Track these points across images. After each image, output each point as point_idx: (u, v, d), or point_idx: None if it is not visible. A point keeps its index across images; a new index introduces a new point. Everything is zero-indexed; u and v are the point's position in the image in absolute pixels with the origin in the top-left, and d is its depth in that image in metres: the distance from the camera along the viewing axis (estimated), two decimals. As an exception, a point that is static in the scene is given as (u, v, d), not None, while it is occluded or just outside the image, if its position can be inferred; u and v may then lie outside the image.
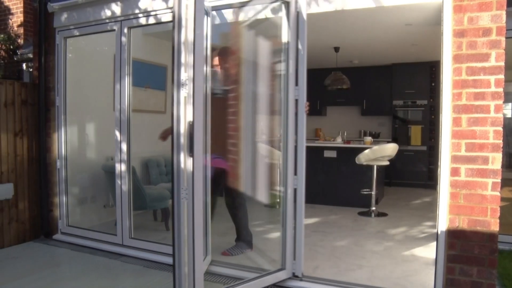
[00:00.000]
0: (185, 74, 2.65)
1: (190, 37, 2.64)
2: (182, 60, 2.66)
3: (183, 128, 2.68)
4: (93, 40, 5.07)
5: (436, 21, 4.95)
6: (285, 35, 3.31)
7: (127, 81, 4.14)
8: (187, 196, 2.67)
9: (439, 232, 2.95)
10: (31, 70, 6.72)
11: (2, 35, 7.10)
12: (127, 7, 4.12)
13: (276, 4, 3.43)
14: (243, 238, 4.07)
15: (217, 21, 3.77)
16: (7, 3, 7.42)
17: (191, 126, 2.63)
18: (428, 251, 4.13)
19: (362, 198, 6.13)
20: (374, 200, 5.95)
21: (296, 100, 3.33)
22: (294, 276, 3.37)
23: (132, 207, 4.21)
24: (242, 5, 3.61)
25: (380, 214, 5.83)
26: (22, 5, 7.27)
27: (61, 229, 4.67)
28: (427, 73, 8.26)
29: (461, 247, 2.86)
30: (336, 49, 7.13)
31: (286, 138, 3.36)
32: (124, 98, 4.15)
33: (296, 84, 3.32)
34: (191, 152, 2.65)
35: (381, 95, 8.82)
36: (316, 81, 8.89)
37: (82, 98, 4.97)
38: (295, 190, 3.34)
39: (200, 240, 2.71)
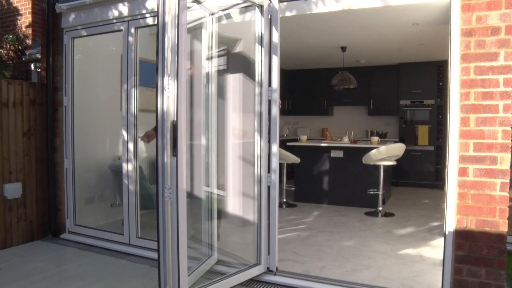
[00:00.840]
0: (168, 75, 2.68)
1: (174, 39, 2.67)
2: (166, 59, 2.68)
3: (167, 128, 2.70)
4: (100, 40, 5.10)
5: (443, 20, 4.92)
6: (259, 38, 3.42)
7: (134, 81, 4.16)
8: (170, 195, 2.69)
9: (446, 233, 2.94)
10: (39, 70, 6.77)
11: (11, 36, 7.17)
12: (134, 8, 4.14)
13: (251, 8, 3.52)
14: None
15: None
16: (15, 4, 7.48)
17: (175, 126, 2.65)
18: (436, 252, 4.11)
19: (369, 198, 6.11)
20: (381, 200, 5.92)
21: (270, 101, 3.46)
22: (269, 271, 3.50)
23: (140, 206, 4.23)
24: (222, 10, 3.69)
25: (387, 214, 5.81)
26: (30, 6, 7.33)
27: (69, 228, 4.70)
28: (434, 73, 8.21)
29: (469, 248, 2.84)
30: (343, 49, 7.11)
31: (260, 137, 3.47)
32: (131, 98, 4.16)
33: (269, 85, 3.46)
34: (174, 151, 2.66)
35: (388, 95, 8.78)
36: (323, 81, 8.91)
37: (90, 98, 4.99)
38: (268, 187, 3.46)
39: (184, 238, 2.71)
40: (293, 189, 6.80)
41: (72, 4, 4.46)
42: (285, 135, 9.74)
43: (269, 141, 3.47)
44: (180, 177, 2.67)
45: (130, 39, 4.16)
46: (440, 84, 8.16)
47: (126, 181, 4.18)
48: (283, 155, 6.40)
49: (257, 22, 3.42)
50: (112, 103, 5.01)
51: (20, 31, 7.36)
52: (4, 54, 7.44)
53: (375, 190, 5.98)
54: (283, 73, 9.59)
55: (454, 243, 2.90)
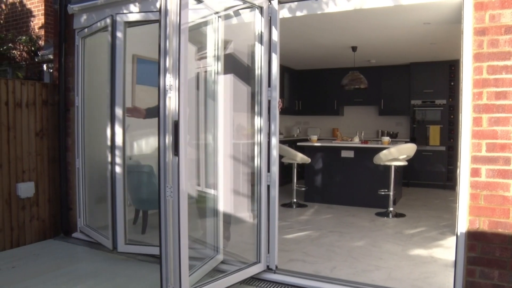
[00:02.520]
0: (171, 74, 2.70)
1: (175, 39, 2.69)
2: (168, 59, 2.71)
3: (168, 128, 2.72)
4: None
5: (455, 19, 4.87)
6: (259, 39, 3.46)
7: (122, 78, 4.12)
8: (172, 194, 2.72)
9: (458, 234, 2.91)
10: (51, 71, 6.85)
11: (24, 37, 7.26)
12: (144, 7, 4.16)
13: (251, 9, 3.55)
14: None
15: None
16: (29, 6, 7.57)
17: (176, 126, 2.66)
18: (447, 253, 4.07)
19: (379, 199, 6.07)
20: (392, 201, 5.88)
21: (269, 101, 3.49)
22: (269, 269, 3.54)
23: (153, 206, 4.24)
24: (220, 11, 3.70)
25: (398, 215, 5.77)
26: (43, 7, 7.41)
27: (80, 228, 4.74)
28: (446, 72, 8.14)
29: (482, 249, 2.81)
30: (354, 49, 7.08)
31: (260, 136, 3.50)
32: (119, 95, 4.13)
33: (269, 85, 3.48)
34: (176, 151, 2.68)
35: (399, 95, 8.72)
36: (333, 80, 8.89)
37: (102, 98, 5.03)
38: (268, 186, 3.49)
39: (185, 237, 2.75)
40: (303, 189, 6.79)
41: (84, 6, 4.50)
42: (296, 135, 9.73)
43: (268, 141, 3.50)
44: (181, 176, 2.69)
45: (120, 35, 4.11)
46: (452, 83, 8.08)
47: (111, 184, 4.04)
48: (293, 155, 6.40)
49: (257, 23, 3.45)
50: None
51: (33, 32, 7.45)
52: (18, 55, 7.54)
53: (386, 190, 5.94)
54: (294, 73, 9.58)
55: (466, 245, 2.87)
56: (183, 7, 2.68)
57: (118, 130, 3.94)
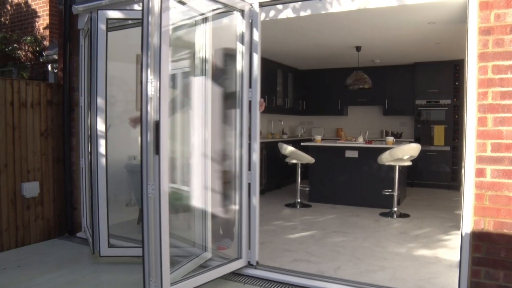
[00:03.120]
0: (151, 74, 2.77)
1: (156, 40, 2.77)
2: (149, 59, 2.78)
3: (150, 127, 2.81)
4: (117, 40, 5.14)
5: (460, 19, 4.86)
6: (240, 41, 3.54)
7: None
8: (153, 191, 2.82)
9: (463, 234, 2.89)
10: (56, 71, 6.88)
11: (29, 37, 7.29)
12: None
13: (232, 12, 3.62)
14: (231, 233, 4.18)
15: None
16: (34, 7, 7.61)
17: (157, 125, 2.76)
18: (452, 253, 4.05)
19: (383, 199, 6.06)
20: (396, 201, 5.87)
21: (250, 101, 3.59)
22: (250, 265, 3.63)
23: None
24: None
25: (402, 215, 5.76)
26: (48, 8, 7.45)
27: (84, 227, 4.76)
28: (450, 72, 8.12)
29: (487, 250, 2.80)
30: (358, 48, 7.07)
31: (241, 136, 3.60)
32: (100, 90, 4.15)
33: (250, 86, 3.59)
34: (157, 150, 2.77)
35: (403, 95, 8.70)
36: (337, 80, 8.88)
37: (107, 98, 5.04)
38: (249, 184, 3.59)
39: (166, 233, 2.83)
40: (307, 189, 6.78)
41: (88, 6, 4.51)
42: (300, 135, 9.73)
43: (249, 140, 3.60)
44: (162, 174, 2.79)
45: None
46: (457, 83, 8.05)
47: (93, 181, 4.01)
48: (298, 155, 6.39)
49: (238, 26, 3.52)
50: (127, 102, 5.06)
51: (38, 32, 7.48)
52: (23, 56, 7.58)
53: (390, 190, 5.93)
54: (298, 73, 9.58)
55: (471, 245, 2.86)
56: (164, 10, 2.76)
57: (100, 126, 3.93)
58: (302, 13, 3.61)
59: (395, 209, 5.80)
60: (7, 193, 4.28)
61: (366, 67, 8.42)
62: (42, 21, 7.52)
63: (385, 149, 5.92)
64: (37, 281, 3.42)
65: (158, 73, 2.76)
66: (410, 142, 6.51)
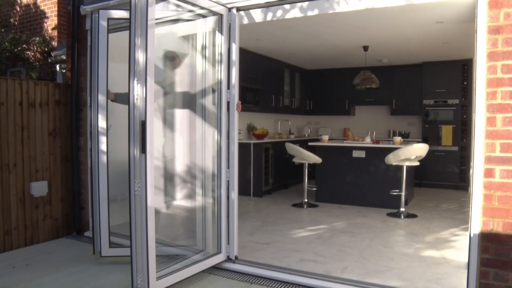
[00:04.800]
0: (137, 76, 2.89)
1: (142, 42, 2.88)
2: (137, 60, 2.90)
3: (136, 127, 2.93)
4: (124, 41, 5.16)
5: (469, 18, 4.82)
6: (219, 44, 3.68)
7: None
8: (139, 189, 2.93)
9: (471, 235, 2.87)
10: (64, 71, 6.93)
11: (37, 38, 7.35)
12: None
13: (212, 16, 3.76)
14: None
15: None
16: (42, 7, 7.67)
17: (143, 125, 2.86)
18: (460, 254, 4.03)
19: (391, 199, 6.03)
20: (404, 201, 5.84)
21: (228, 102, 3.71)
22: (229, 259, 3.78)
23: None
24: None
25: (409, 216, 5.73)
26: (56, 8, 7.50)
27: (91, 227, 4.78)
28: (459, 72, 8.06)
29: (496, 251, 2.77)
30: (365, 48, 7.04)
31: (220, 136, 3.74)
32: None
33: (228, 87, 3.70)
34: (143, 149, 2.87)
35: (411, 95, 8.65)
36: (345, 80, 8.85)
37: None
38: (228, 182, 3.73)
39: (152, 230, 2.95)
40: (314, 189, 6.77)
41: (96, 6, 4.53)
42: (307, 135, 9.71)
43: (228, 140, 3.73)
44: (148, 172, 2.89)
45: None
46: (465, 83, 8.00)
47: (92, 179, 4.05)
48: (305, 155, 6.38)
49: (218, 28, 3.68)
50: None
51: (46, 33, 7.54)
52: (31, 56, 7.64)
53: (398, 190, 5.90)
54: (305, 72, 9.56)
55: (479, 246, 2.83)
56: (150, 4, 2.87)
57: (102, 123, 3.97)
58: (310, 13, 3.60)
59: (403, 209, 5.77)
60: (16, 193, 4.32)
61: (374, 67, 8.39)
62: (51, 22, 7.57)
63: (392, 149, 5.89)
64: (45, 280, 3.45)
65: (145, 74, 2.86)
66: (418, 142, 6.47)
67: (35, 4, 7.73)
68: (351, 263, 3.83)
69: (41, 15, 7.67)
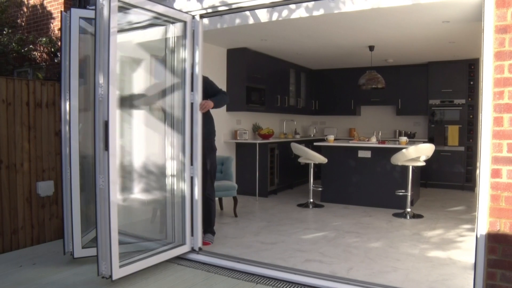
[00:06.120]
0: (101, 78, 3.08)
1: (104, 46, 3.07)
2: (100, 64, 3.08)
3: (99, 126, 3.13)
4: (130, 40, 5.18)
5: (475, 17, 4.80)
6: (183, 48, 3.88)
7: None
8: (103, 183, 3.12)
9: (478, 236, 2.86)
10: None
11: (44, 39, 7.39)
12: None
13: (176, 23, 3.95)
14: (212, 228, 4.51)
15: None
16: (49, 8, 7.71)
17: (106, 125, 3.06)
18: (466, 255, 4.01)
19: (397, 199, 6.01)
20: (410, 202, 5.82)
21: (192, 103, 3.90)
22: (193, 250, 3.96)
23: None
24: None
25: (415, 216, 5.70)
26: (63, 9, 7.53)
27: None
28: (465, 72, 8.02)
29: (503, 252, 2.76)
30: (371, 48, 7.02)
31: (184, 135, 3.91)
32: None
33: (192, 89, 3.88)
34: (106, 146, 3.07)
35: (417, 94, 8.62)
36: (350, 80, 8.83)
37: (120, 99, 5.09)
38: (191, 178, 3.91)
39: (115, 221, 3.14)
40: (320, 189, 6.76)
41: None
42: (312, 135, 9.70)
43: (191, 138, 3.91)
44: (111, 168, 3.08)
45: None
46: (471, 83, 7.96)
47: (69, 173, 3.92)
48: (310, 155, 6.38)
49: (182, 34, 3.87)
50: (139, 103, 5.09)
51: (53, 34, 7.57)
52: (38, 56, 7.68)
53: (404, 191, 5.88)
54: (310, 72, 9.55)
55: (486, 247, 2.82)
56: (113, 11, 3.04)
57: (74, 115, 3.81)
58: (315, 13, 3.61)
59: (409, 209, 5.75)
60: (23, 192, 4.35)
61: (379, 67, 8.36)
62: (57, 23, 7.60)
63: (398, 149, 5.87)
64: (52, 279, 3.47)
65: (107, 77, 3.04)
66: (424, 142, 6.44)
67: (41, 5, 7.77)
68: (356, 263, 3.82)
69: (48, 16, 7.71)
